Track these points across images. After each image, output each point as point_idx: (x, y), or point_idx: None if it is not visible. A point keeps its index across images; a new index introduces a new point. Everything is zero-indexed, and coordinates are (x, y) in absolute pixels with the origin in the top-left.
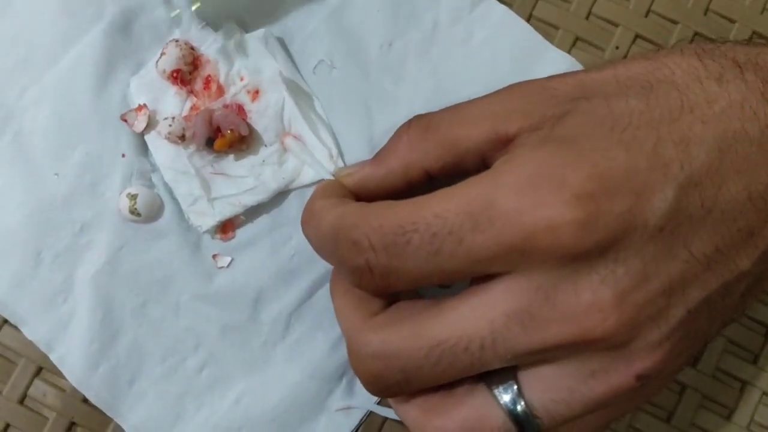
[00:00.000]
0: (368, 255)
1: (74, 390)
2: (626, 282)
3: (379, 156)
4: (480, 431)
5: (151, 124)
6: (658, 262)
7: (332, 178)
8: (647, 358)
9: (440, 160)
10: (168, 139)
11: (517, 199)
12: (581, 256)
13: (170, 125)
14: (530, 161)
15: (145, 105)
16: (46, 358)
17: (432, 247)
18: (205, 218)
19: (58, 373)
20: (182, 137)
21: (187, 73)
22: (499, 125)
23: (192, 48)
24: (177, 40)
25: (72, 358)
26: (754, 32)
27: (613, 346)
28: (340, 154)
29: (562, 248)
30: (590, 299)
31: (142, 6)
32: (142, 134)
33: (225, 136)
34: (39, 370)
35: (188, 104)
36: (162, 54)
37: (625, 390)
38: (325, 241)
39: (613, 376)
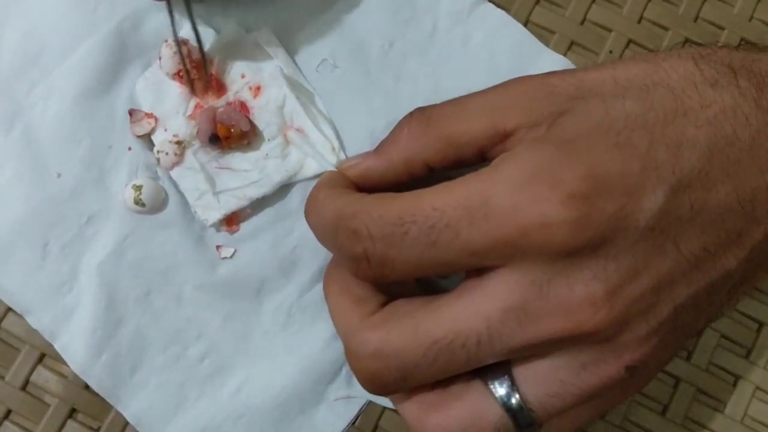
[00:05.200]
0: (366, 244)
1: (76, 377)
2: (617, 278)
3: (381, 148)
4: (477, 425)
5: (154, 127)
6: (648, 260)
7: (335, 170)
8: (636, 351)
9: (440, 154)
10: (176, 158)
11: (514, 196)
12: (574, 252)
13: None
14: (528, 160)
15: (153, 115)
16: (49, 345)
17: (429, 239)
18: (212, 212)
19: (61, 360)
20: (179, 143)
21: (191, 72)
22: (497, 121)
23: (188, 47)
24: (167, 41)
25: (75, 346)
26: (742, 39)
27: (603, 339)
28: (342, 147)
29: (556, 245)
30: (582, 294)
31: (150, 7)
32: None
33: (228, 132)
34: (42, 357)
35: (192, 103)
36: (159, 57)
37: (615, 381)
38: (327, 230)
39: (604, 367)
